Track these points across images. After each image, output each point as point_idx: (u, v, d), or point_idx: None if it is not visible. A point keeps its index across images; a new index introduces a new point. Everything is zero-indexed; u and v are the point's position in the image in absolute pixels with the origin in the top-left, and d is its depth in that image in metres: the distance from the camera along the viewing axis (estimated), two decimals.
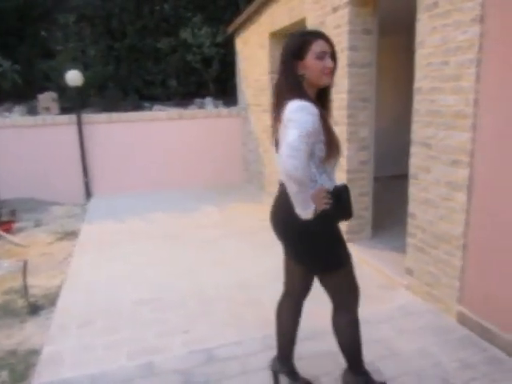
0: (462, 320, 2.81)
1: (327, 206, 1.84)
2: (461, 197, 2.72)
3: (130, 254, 4.49)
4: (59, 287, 3.75)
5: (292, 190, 1.74)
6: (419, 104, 3.03)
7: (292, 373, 2.31)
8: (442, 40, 2.76)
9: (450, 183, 2.80)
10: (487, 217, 2.57)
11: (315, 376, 2.39)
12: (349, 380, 2.18)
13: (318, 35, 1.83)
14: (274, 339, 2.73)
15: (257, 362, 2.55)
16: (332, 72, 1.84)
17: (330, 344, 2.64)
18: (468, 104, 2.59)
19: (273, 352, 2.60)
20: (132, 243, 4.85)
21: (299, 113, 1.70)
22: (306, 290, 2.23)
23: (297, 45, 1.83)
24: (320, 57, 1.79)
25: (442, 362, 2.48)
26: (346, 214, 1.98)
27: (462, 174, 2.69)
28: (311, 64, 1.80)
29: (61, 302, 3.44)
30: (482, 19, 2.47)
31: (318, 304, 3.28)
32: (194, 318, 3.13)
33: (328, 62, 1.81)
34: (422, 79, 2.97)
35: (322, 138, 1.80)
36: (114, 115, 7.45)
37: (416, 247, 3.21)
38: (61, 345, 2.84)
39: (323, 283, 2.04)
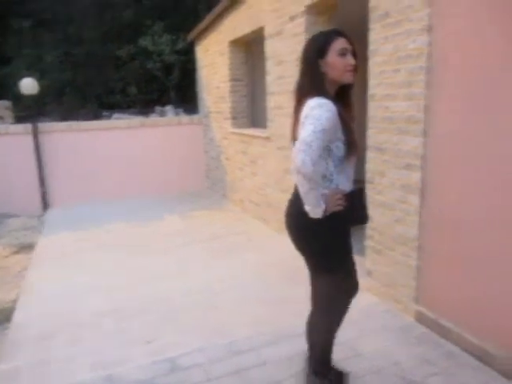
0: (420, 319, 2.90)
1: (340, 208, 1.86)
2: (414, 199, 2.82)
3: (89, 265, 4.39)
4: (14, 301, 3.61)
5: (301, 185, 1.76)
6: (373, 110, 3.13)
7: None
8: (393, 48, 2.86)
9: (404, 186, 2.90)
10: (439, 218, 2.68)
11: (278, 381, 2.40)
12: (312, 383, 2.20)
13: (339, 33, 1.86)
14: (239, 345, 2.75)
15: (221, 368, 2.54)
16: (354, 69, 1.85)
17: (291, 348, 2.68)
18: (419, 110, 2.70)
19: (238, 357, 2.61)
20: (91, 254, 4.74)
21: (317, 109, 1.72)
22: None
23: (319, 43, 1.86)
24: (342, 54, 1.82)
25: (401, 359, 2.55)
26: (361, 218, 2.01)
27: (415, 177, 2.79)
28: (333, 61, 1.82)
29: (16, 317, 3.32)
30: (430, 29, 2.58)
31: (280, 309, 3.32)
32: (156, 327, 3.09)
33: (350, 59, 1.83)
34: (376, 86, 3.07)
35: (341, 136, 1.81)
36: (73, 124, 7.28)
37: (374, 249, 3.29)
38: (17, 361, 2.73)
39: (312, 281, 2.10)
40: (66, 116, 7.89)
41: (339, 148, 1.83)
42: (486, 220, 2.37)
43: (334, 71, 1.83)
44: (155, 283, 3.85)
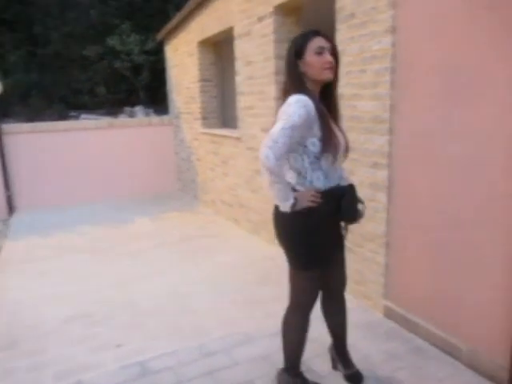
0: (388, 314, 2.96)
1: (313, 205, 1.87)
2: (382, 197, 2.88)
3: (55, 271, 4.27)
4: None
5: (266, 179, 1.81)
6: (342, 110, 3.16)
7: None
8: (359, 49, 2.91)
9: (372, 184, 2.95)
10: (405, 215, 2.74)
11: (250, 380, 2.40)
12: (284, 381, 2.21)
13: (316, 33, 1.88)
14: (211, 346, 2.73)
15: (192, 371, 2.52)
16: (332, 67, 1.86)
17: (263, 348, 2.69)
18: (385, 110, 2.76)
19: (209, 359, 2.60)
20: (59, 259, 4.62)
21: (292, 105, 1.77)
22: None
23: (296, 44, 1.89)
24: (318, 52, 1.84)
25: (370, 354, 2.59)
26: (349, 215, 2.02)
27: (382, 175, 2.84)
28: (310, 60, 1.85)
29: None
30: (393, 30, 2.64)
31: (252, 309, 3.32)
32: (126, 331, 3.04)
33: (327, 57, 1.84)
34: (343, 86, 3.11)
35: (317, 132, 1.83)
36: (38, 125, 7.08)
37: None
38: None
39: (289, 276, 2.11)
40: (31, 117, 7.66)
41: (315, 144, 1.85)
42: (449, 217, 2.44)
43: (312, 70, 1.86)
44: (124, 287, 3.78)
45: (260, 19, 4.13)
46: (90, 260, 4.54)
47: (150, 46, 8.86)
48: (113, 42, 8.71)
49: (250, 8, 4.33)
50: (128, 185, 7.58)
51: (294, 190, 1.90)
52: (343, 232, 2.15)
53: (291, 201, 1.84)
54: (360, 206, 2.07)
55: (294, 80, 1.90)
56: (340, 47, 3.10)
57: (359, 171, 3.07)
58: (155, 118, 7.92)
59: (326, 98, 1.96)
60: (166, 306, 3.39)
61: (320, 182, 1.92)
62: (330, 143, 1.85)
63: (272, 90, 4.03)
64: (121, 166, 7.55)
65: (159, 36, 7.74)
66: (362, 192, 3.04)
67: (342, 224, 2.11)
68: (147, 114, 8.26)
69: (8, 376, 2.57)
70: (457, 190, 2.37)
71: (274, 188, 1.82)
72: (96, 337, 2.97)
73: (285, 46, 3.98)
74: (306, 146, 1.85)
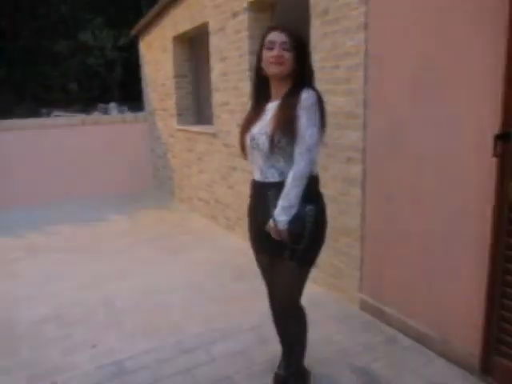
0: (364, 307, 3.01)
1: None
2: (356, 191, 2.91)
3: (29, 271, 4.18)
4: None
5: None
6: None
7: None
8: (332, 45, 2.93)
9: (346, 179, 2.99)
10: (378, 209, 2.79)
11: (228, 375, 2.40)
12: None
13: (273, 27, 1.86)
14: (188, 343, 2.72)
15: (170, 368, 2.50)
16: (279, 61, 1.79)
17: (240, 343, 2.70)
18: (358, 105, 2.79)
19: (187, 356, 2.59)
20: (30, 259, 4.51)
21: None
22: None
23: (261, 39, 1.90)
24: (268, 47, 1.81)
25: (346, 347, 2.63)
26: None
27: (356, 170, 2.88)
28: (262, 55, 1.86)
29: None
30: (366, 26, 2.67)
31: (229, 306, 3.32)
32: (101, 330, 3.00)
33: (274, 51, 1.79)
34: (317, 82, 3.12)
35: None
36: (7, 122, 6.88)
37: None
38: None
39: (284, 277, 2.04)
40: (0, 114, 7.44)
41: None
42: (421, 210, 2.49)
43: (263, 64, 1.87)
44: (99, 286, 3.73)
45: (234, 15, 4.12)
46: (64, 260, 4.46)
47: (123, 41, 8.72)
48: (85, 37, 8.54)
49: (224, 3, 4.31)
50: (103, 183, 7.45)
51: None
52: None
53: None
54: (270, 221, 1.87)
55: (254, 77, 1.98)
56: (313, 43, 3.12)
57: (333, 166, 3.10)
58: (130, 115, 7.81)
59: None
60: (141, 304, 3.36)
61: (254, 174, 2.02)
62: (241, 142, 2.01)
63: (246, 86, 4.03)
64: (95, 163, 7.41)
65: (133, 31, 7.62)
66: (335, 186, 3.09)
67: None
68: (121, 111, 8.14)
69: None
70: (429, 183, 2.42)
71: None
72: (70, 337, 2.92)
73: (256, 43, 4.00)
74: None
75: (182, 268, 4.06)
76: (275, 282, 2.06)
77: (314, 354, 2.55)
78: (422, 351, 2.55)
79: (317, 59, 3.10)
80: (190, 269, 4.03)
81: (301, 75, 1.86)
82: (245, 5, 3.89)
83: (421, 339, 2.60)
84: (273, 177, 1.89)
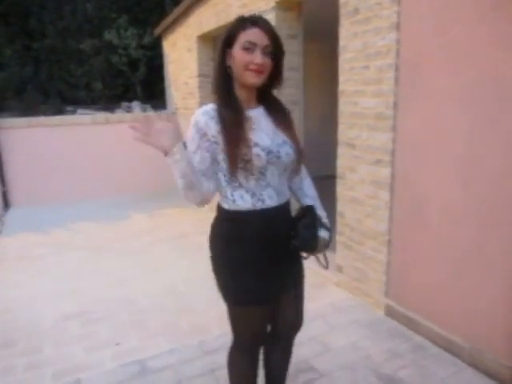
0: (390, 312, 2.94)
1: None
2: (384, 194, 2.85)
3: (53, 268, 4.23)
4: None
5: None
6: (343, 106, 3.14)
7: None
8: (362, 45, 2.88)
9: (374, 182, 2.93)
10: (408, 213, 2.72)
11: None
12: None
13: (253, 21, 1.48)
14: (210, 344, 2.70)
15: (192, 369, 2.49)
16: (261, 70, 1.48)
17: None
18: (388, 106, 2.73)
19: (209, 357, 2.57)
20: (55, 256, 4.57)
21: (189, 128, 1.54)
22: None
23: (228, 30, 1.52)
24: (246, 48, 1.46)
25: (372, 353, 2.57)
26: (301, 244, 1.60)
27: (384, 172, 2.82)
28: (236, 55, 1.48)
29: None
30: (398, 26, 2.61)
31: None
32: (125, 329, 3.00)
33: (256, 57, 1.46)
34: (345, 82, 3.08)
35: (223, 147, 1.51)
36: (34, 119, 7.00)
37: (345, 245, 3.32)
38: None
39: None
40: (27, 112, 7.57)
41: (225, 160, 1.53)
42: (453, 216, 2.42)
43: (235, 67, 1.50)
44: (122, 285, 3.75)
45: (261, 14, 4.08)
46: (88, 257, 4.50)
47: (147, 40, 8.77)
48: (110, 36, 8.63)
49: (251, 3, 4.28)
50: (125, 181, 7.51)
51: (221, 208, 1.66)
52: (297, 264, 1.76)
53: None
54: (324, 234, 1.63)
55: (217, 76, 1.57)
56: (342, 43, 3.07)
57: (360, 168, 3.04)
58: (152, 114, 7.85)
59: (264, 102, 1.63)
60: (164, 303, 3.36)
61: (246, 202, 1.55)
62: (232, 159, 1.49)
63: None
64: (118, 161, 7.48)
65: (157, 31, 7.67)
66: (362, 189, 3.04)
67: (304, 254, 1.71)
68: (144, 110, 8.20)
69: (6, 375, 2.53)
70: (461, 188, 2.35)
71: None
72: (94, 335, 2.94)
73: (285, 42, 3.95)
74: (218, 163, 1.55)
75: (203, 267, 4.04)
76: (291, 305, 1.80)
77: (339, 360, 2.52)
78: (451, 360, 2.48)
79: (346, 59, 3.05)
80: (211, 269, 4.00)
81: (272, 82, 1.59)
82: (272, 4, 3.85)
83: (449, 348, 2.53)
84: (287, 195, 1.67)
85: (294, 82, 4.08)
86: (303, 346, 2.60)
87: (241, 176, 1.52)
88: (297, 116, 4.18)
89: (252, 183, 1.54)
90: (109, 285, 3.75)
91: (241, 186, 1.55)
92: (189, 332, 2.91)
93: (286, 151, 1.56)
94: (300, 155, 1.63)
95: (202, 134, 1.51)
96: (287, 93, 4.06)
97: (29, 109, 7.81)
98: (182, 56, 6.71)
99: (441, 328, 2.57)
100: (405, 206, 2.74)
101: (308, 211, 1.65)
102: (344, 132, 3.17)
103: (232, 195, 1.57)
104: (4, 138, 6.73)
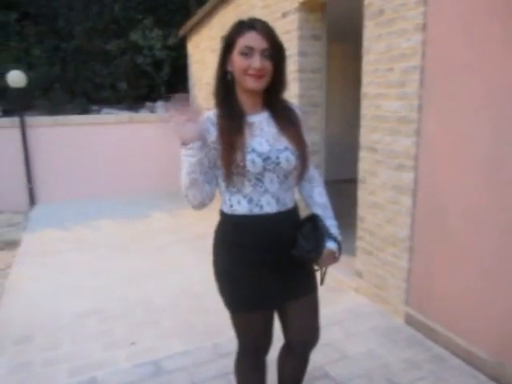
0: (409, 321, 2.87)
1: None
2: (406, 200, 2.78)
3: (74, 264, 4.29)
4: None
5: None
6: (366, 109, 3.08)
7: None
8: (387, 47, 2.82)
9: (396, 187, 2.86)
10: (431, 220, 2.64)
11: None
12: None
13: (251, 25, 1.44)
14: (225, 347, 2.68)
15: (207, 371, 2.48)
16: (260, 74, 1.44)
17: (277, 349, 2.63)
18: (412, 110, 2.66)
19: (224, 360, 2.55)
20: (76, 252, 4.64)
21: None
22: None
23: (227, 35, 1.48)
24: (244, 53, 1.42)
25: (389, 362, 2.51)
26: (298, 254, 1.52)
27: (407, 177, 2.75)
28: (235, 60, 1.45)
29: None
30: (424, 27, 2.54)
31: None
32: (141, 328, 3.01)
33: (254, 61, 1.42)
34: (368, 85, 3.02)
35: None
36: (60, 118, 7.14)
37: (364, 250, 3.25)
38: None
39: None
40: (53, 110, 7.73)
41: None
42: (478, 225, 2.33)
43: (235, 72, 1.47)
44: (139, 283, 3.77)
45: (284, 15, 4.05)
46: (107, 255, 4.55)
47: (171, 41, 8.84)
48: (135, 36, 8.73)
49: (274, 3, 4.25)
50: (148, 180, 7.59)
51: (221, 212, 1.63)
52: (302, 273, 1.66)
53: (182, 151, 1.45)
54: (331, 245, 1.57)
55: (217, 81, 1.54)
56: (366, 45, 3.02)
57: (382, 173, 2.98)
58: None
59: (270, 107, 1.58)
60: (179, 304, 3.36)
61: (242, 207, 1.53)
62: (229, 165, 1.46)
63: (296, 87, 3.96)
64: (141, 160, 7.57)
65: (181, 32, 7.73)
66: (384, 194, 2.97)
67: (316, 266, 1.65)
68: (168, 110, 8.26)
69: (24, 370, 2.57)
70: (486, 195, 2.27)
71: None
72: (110, 333, 2.96)
73: (308, 43, 3.93)
74: (218, 169, 1.53)
75: None
76: (302, 317, 1.71)
77: (355, 368, 2.46)
78: (472, 373, 2.40)
79: (370, 61, 2.99)
80: None
81: (276, 85, 1.54)
82: (296, 5, 3.82)
83: (470, 360, 2.44)
84: (290, 202, 1.59)
85: (316, 83, 4.04)
86: (319, 352, 2.54)
87: (237, 181, 1.50)
88: (319, 118, 4.14)
89: (249, 189, 1.50)
90: (127, 283, 3.78)
91: (238, 191, 1.52)
92: (204, 334, 2.90)
93: (287, 157, 1.50)
94: (304, 161, 1.57)
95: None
96: (309, 94, 4.02)
97: (56, 108, 7.98)
98: (206, 57, 6.73)
99: (462, 339, 2.49)
100: (427, 212, 2.67)
101: (311, 220, 1.57)
102: (366, 135, 3.11)
103: (230, 200, 1.55)
104: (30, 135, 6.88)
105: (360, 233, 3.30)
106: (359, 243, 3.32)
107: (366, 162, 3.15)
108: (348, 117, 7.12)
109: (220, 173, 1.54)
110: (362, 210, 3.26)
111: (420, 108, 2.61)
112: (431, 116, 2.56)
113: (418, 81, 2.59)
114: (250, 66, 1.43)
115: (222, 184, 1.56)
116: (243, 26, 1.45)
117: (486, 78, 2.21)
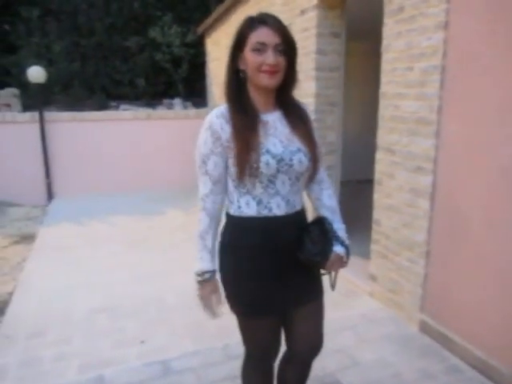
0: (424, 329, 2.78)
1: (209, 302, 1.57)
2: (424, 203, 2.70)
3: (88, 259, 4.31)
4: (10, 294, 3.54)
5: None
6: (384, 109, 3.00)
7: None
8: (406, 45, 2.73)
9: (414, 190, 2.77)
10: (449, 224, 2.55)
11: None
12: None
13: (262, 21, 1.40)
14: (235, 349, 2.64)
15: (215, 373, 2.45)
16: (275, 70, 1.39)
17: None
18: (432, 111, 2.57)
19: (233, 362, 2.51)
20: (91, 248, 4.66)
21: (202, 130, 1.48)
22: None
23: (237, 32, 1.45)
24: (257, 49, 1.38)
25: (402, 372, 2.43)
26: (305, 256, 1.48)
27: (425, 180, 2.66)
28: (248, 57, 1.41)
29: (10, 311, 3.25)
30: (446, 25, 2.45)
31: None
32: (151, 326, 3.00)
33: (267, 57, 1.37)
34: (387, 84, 2.94)
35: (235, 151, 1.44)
36: (78, 114, 7.20)
37: (380, 254, 3.17)
38: (6, 357, 2.65)
39: None
40: (72, 106, 7.80)
41: (233, 164, 1.47)
42: (500, 230, 2.24)
43: (249, 70, 1.43)
44: (152, 281, 3.76)
45: (302, 12, 3.99)
46: (121, 250, 4.56)
47: (190, 38, 8.84)
48: (154, 33, 8.75)
49: (292, 0, 4.19)
50: (164, 176, 7.60)
51: (227, 214, 1.57)
52: (312, 278, 1.60)
53: (202, 266, 1.54)
54: (339, 249, 1.52)
55: (228, 80, 1.50)
56: (385, 43, 2.93)
57: (399, 175, 2.89)
58: (192, 111, 7.90)
59: (283, 105, 1.54)
60: (191, 303, 3.32)
61: (251, 209, 1.48)
62: (240, 164, 1.41)
63: (312, 86, 3.89)
64: (157, 157, 7.58)
65: (200, 29, 7.71)
66: (401, 196, 2.89)
67: (322, 270, 1.58)
68: (185, 107, 8.26)
69: (34, 364, 2.58)
70: (507, 200, 2.17)
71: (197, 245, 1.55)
72: (121, 331, 2.95)
73: (327, 41, 3.85)
74: (228, 167, 1.49)
75: None
76: (307, 323, 1.65)
77: (366, 376, 2.40)
78: None
79: (389, 60, 2.91)
80: None
81: (288, 83, 1.50)
82: (315, 2, 3.75)
83: (488, 372, 2.35)
84: (299, 204, 1.55)
85: (334, 82, 3.96)
86: (330, 358, 2.50)
87: (248, 182, 1.45)
88: (336, 118, 4.06)
89: (259, 190, 1.46)
90: (139, 280, 3.78)
91: (248, 192, 1.47)
92: (215, 334, 2.86)
93: (300, 159, 1.46)
94: (316, 163, 1.53)
95: (216, 138, 1.45)
96: (326, 93, 3.95)
97: (75, 103, 8.05)
98: (224, 54, 6.69)
99: (480, 350, 2.40)
100: (446, 217, 2.58)
101: (319, 223, 1.52)
102: (383, 136, 3.03)
103: (238, 201, 1.50)
104: (50, 131, 6.96)
105: (375, 236, 3.22)
106: (374, 246, 3.24)
107: (382, 164, 3.07)
108: (366, 116, 7.00)
109: (229, 172, 1.49)
110: (377, 213, 3.18)
111: (440, 109, 2.52)
112: (452, 118, 2.47)
113: (439, 81, 2.50)
114: (263, 62, 1.38)
115: (231, 184, 1.51)
116: (254, 22, 1.41)
117: (510, 79, 2.11)
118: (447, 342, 2.60)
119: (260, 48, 1.38)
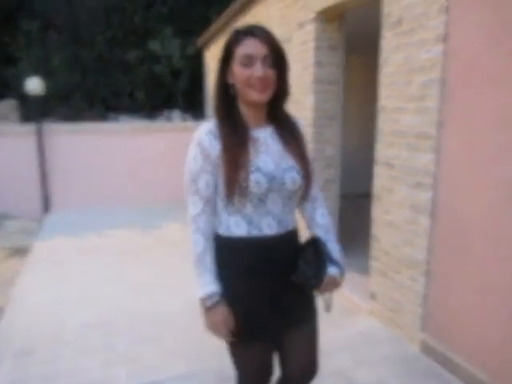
0: (425, 349, 2.69)
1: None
2: (424, 220, 2.62)
3: (81, 274, 4.23)
4: (1, 310, 3.45)
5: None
6: (383, 123, 2.95)
7: None
8: (405, 59, 2.68)
9: (413, 206, 2.70)
10: (450, 242, 2.48)
11: None
12: None
13: (249, 32, 1.35)
14: (230, 371, 2.55)
15: None
16: (265, 84, 1.34)
17: None
18: (431, 125, 2.51)
19: None
20: (85, 262, 4.58)
21: (191, 147, 1.42)
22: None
23: (225, 45, 1.39)
24: (244, 63, 1.33)
25: None
26: (301, 280, 1.42)
27: (425, 196, 2.59)
28: (236, 71, 1.35)
29: (0, 327, 3.15)
30: (445, 38, 2.40)
31: None
32: (143, 344, 2.91)
33: (256, 70, 1.32)
34: (386, 98, 2.89)
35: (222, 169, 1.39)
36: (76, 126, 7.17)
37: (379, 271, 3.09)
38: None
39: None
40: (72, 117, 7.78)
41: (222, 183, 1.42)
42: (500, 246, 2.16)
43: (237, 84, 1.36)
44: (147, 296, 3.67)
45: (300, 25, 3.96)
46: (116, 265, 4.48)
47: (190, 51, 8.85)
48: (154, 46, 8.77)
49: (289, 14, 4.17)
50: (163, 189, 7.52)
51: (216, 234, 1.47)
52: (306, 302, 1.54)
53: (206, 290, 1.40)
54: (333, 271, 1.44)
55: (217, 95, 1.43)
56: (383, 56, 2.89)
57: (399, 190, 2.83)
58: (190, 123, 7.88)
59: (274, 120, 1.47)
60: (186, 320, 3.24)
61: (241, 229, 1.41)
62: (229, 184, 1.35)
63: (311, 99, 3.84)
64: (155, 170, 7.52)
65: (199, 42, 7.72)
66: (400, 213, 2.81)
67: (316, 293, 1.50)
68: (184, 119, 8.24)
69: None
70: (510, 218, 2.10)
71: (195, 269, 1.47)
72: (112, 348, 2.86)
73: (325, 54, 3.81)
74: (217, 186, 1.42)
75: None
76: (301, 348, 1.57)
77: None
78: None
79: (387, 73, 2.86)
80: None
81: (279, 96, 1.43)
82: (312, 15, 3.72)
83: None
84: (292, 223, 1.48)
85: (333, 95, 3.91)
86: (326, 380, 2.40)
87: (238, 202, 1.38)
88: (335, 131, 4.01)
89: (249, 210, 1.39)
90: (133, 295, 3.69)
91: (237, 211, 1.40)
92: (211, 354, 2.76)
93: (292, 177, 1.40)
94: (309, 181, 1.46)
95: (206, 156, 1.38)
96: (325, 107, 3.90)
97: (74, 115, 8.03)
98: None
99: (484, 373, 2.31)
100: (446, 234, 2.50)
101: (313, 244, 1.45)
102: (382, 150, 2.97)
103: (227, 220, 1.43)
104: (48, 143, 6.91)
105: (375, 252, 3.14)
106: (374, 263, 3.16)
107: (381, 178, 3.00)
108: (365, 130, 6.96)
109: (218, 190, 1.42)
110: (376, 229, 3.10)
111: (440, 124, 2.47)
112: (452, 132, 2.41)
113: (439, 95, 2.45)
114: (251, 75, 1.32)
115: (220, 202, 1.44)
116: (240, 34, 1.36)
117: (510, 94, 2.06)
118: (449, 364, 2.51)
119: (247, 62, 1.33)
